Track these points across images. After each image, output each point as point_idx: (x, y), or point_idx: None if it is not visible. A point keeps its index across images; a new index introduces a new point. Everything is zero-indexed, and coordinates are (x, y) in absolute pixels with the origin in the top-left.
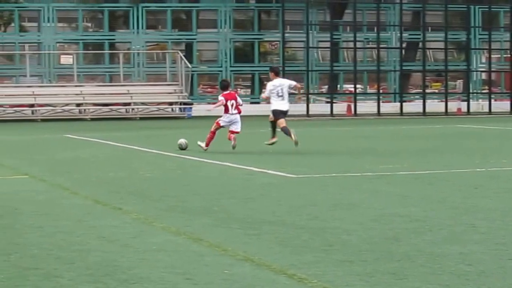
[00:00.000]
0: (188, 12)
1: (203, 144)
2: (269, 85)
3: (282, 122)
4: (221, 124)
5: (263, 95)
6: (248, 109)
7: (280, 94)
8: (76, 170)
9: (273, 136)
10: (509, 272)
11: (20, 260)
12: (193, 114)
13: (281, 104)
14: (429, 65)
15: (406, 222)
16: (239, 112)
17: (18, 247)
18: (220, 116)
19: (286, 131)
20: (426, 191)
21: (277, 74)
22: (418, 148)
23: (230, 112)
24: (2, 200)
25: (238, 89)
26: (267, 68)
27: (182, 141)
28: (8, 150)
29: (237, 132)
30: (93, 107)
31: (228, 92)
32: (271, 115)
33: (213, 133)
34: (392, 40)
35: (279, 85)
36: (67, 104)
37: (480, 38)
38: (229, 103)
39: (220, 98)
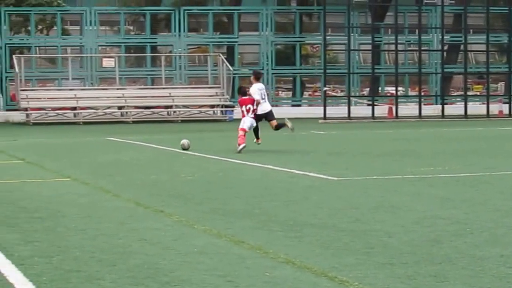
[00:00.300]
0: (230, 15)
1: (240, 147)
2: (256, 89)
3: (274, 122)
4: (247, 129)
5: (258, 99)
6: (290, 111)
7: (263, 97)
8: (118, 173)
9: (258, 138)
10: None
11: (63, 263)
12: (234, 117)
13: (266, 106)
14: (470, 68)
15: (447, 224)
16: (254, 118)
17: (60, 250)
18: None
19: (281, 125)
20: (468, 194)
21: (258, 79)
22: (460, 150)
23: (248, 116)
24: (45, 202)
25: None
26: (309, 71)
27: (184, 141)
28: (50, 153)
29: (245, 130)
30: (135, 110)
31: (244, 97)
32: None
33: (243, 137)
34: (434, 43)
35: (262, 88)
36: (109, 107)
37: None
38: (244, 108)
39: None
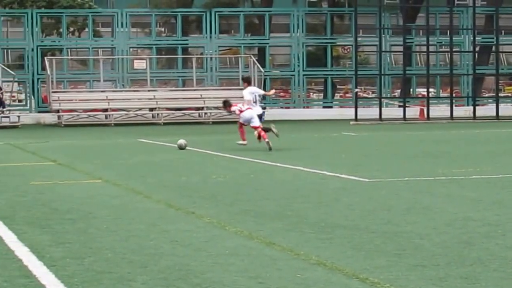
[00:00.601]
0: (261, 16)
1: (241, 141)
2: (248, 93)
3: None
4: (259, 125)
5: (249, 99)
6: (321, 113)
7: (254, 100)
8: (149, 174)
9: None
10: None
11: (94, 264)
12: (265, 119)
13: (258, 109)
14: (502, 69)
15: (479, 226)
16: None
17: (92, 251)
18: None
19: (266, 130)
20: (499, 195)
21: (250, 83)
22: (491, 152)
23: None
24: (76, 204)
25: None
26: (340, 73)
27: (181, 141)
28: (81, 155)
29: (258, 127)
30: (166, 111)
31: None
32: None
33: (241, 129)
34: (465, 44)
35: (253, 92)
36: (140, 109)
37: None
38: (236, 108)
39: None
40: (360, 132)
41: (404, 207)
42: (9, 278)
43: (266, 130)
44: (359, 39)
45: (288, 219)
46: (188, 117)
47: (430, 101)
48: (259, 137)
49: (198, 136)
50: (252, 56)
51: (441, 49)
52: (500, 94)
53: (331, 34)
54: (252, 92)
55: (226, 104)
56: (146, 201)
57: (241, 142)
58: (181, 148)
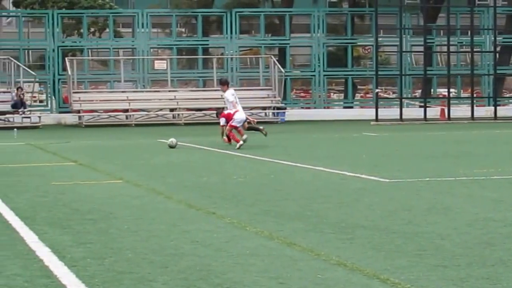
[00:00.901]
0: (281, 16)
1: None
2: (231, 96)
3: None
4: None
5: (233, 101)
6: (341, 113)
7: (237, 100)
8: (170, 175)
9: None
10: None
11: (115, 264)
12: (286, 119)
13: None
14: None
15: (500, 226)
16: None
17: (112, 251)
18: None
19: (254, 129)
20: None
21: (228, 86)
22: None
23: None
24: (97, 204)
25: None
26: (360, 73)
27: (172, 140)
28: (102, 155)
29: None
30: (187, 112)
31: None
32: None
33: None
34: (486, 44)
35: (234, 93)
36: (161, 109)
37: None
38: (228, 110)
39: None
40: (380, 132)
41: (425, 208)
42: (30, 278)
43: (254, 129)
44: (379, 39)
45: (308, 219)
46: (209, 118)
47: (451, 101)
48: (229, 139)
49: (219, 136)
50: (272, 57)
51: (462, 49)
52: None
53: (351, 34)
54: (233, 93)
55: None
56: (166, 202)
57: (239, 143)
58: (172, 146)
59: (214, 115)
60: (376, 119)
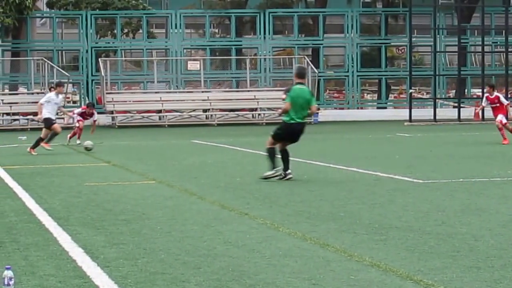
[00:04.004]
0: (315, 17)
1: None
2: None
3: None
4: None
5: None
6: (375, 114)
7: None
8: (203, 176)
9: None
10: None
11: (148, 265)
12: (319, 120)
13: None
14: None
15: None
16: None
17: (145, 252)
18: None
19: None
20: None
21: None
22: None
23: None
24: (130, 205)
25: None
26: (394, 73)
27: (88, 143)
28: (135, 156)
29: None
30: (220, 112)
31: None
32: None
33: None
34: None
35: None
36: (194, 110)
37: None
38: None
39: None
40: (414, 133)
41: (458, 208)
42: (64, 278)
43: None
44: (413, 39)
45: (342, 220)
46: (242, 118)
47: None
48: None
49: (252, 137)
50: (306, 57)
51: (496, 49)
52: None
53: (385, 34)
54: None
55: None
56: (200, 202)
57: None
58: (88, 149)
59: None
60: (410, 120)
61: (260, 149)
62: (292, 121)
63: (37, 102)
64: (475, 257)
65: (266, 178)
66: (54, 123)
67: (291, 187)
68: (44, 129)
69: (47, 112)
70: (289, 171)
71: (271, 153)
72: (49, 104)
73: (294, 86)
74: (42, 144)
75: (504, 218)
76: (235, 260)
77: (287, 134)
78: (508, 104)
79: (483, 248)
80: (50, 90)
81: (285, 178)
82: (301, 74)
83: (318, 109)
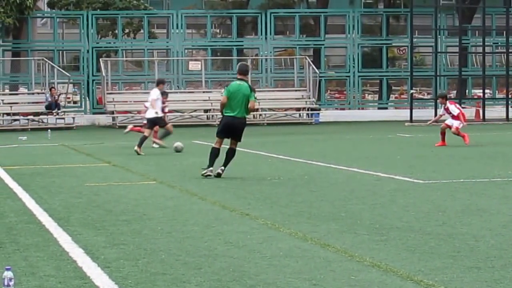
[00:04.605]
0: (316, 17)
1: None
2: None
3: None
4: None
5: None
6: (376, 114)
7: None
8: (214, 177)
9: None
10: None
11: (148, 265)
12: (320, 120)
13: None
14: None
15: None
16: None
17: (146, 252)
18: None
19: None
20: None
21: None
22: None
23: None
24: (131, 205)
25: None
26: (395, 74)
27: (178, 144)
28: (136, 156)
29: None
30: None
31: None
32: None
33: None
34: None
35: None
36: (195, 110)
37: None
38: None
39: None
40: (415, 133)
41: (459, 209)
42: (64, 279)
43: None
44: (414, 40)
45: (343, 220)
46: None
47: (486, 102)
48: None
49: (253, 137)
50: (307, 57)
51: (497, 50)
52: None
53: (386, 35)
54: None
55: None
56: (200, 203)
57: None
58: (178, 151)
59: None
60: (411, 120)
61: (261, 150)
62: (227, 114)
63: (38, 103)
64: (476, 257)
65: (202, 175)
66: (163, 121)
67: (292, 188)
68: (147, 127)
69: (155, 110)
70: (222, 168)
71: (212, 152)
72: (157, 101)
73: (233, 82)
74: (156, 140)
75: (505, 218)
76: (235, 260)
77: (224, 127)
78: (460, 115)
79: (483, 249)
80: (50, 90)
81: (213, 174)
82: (242, 71)
83: (319, 109)
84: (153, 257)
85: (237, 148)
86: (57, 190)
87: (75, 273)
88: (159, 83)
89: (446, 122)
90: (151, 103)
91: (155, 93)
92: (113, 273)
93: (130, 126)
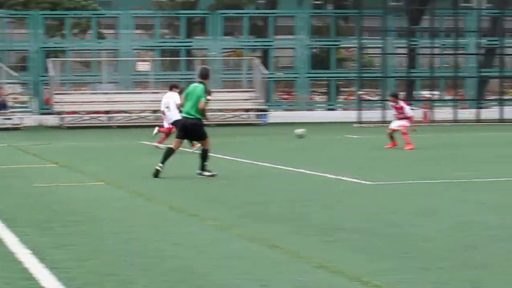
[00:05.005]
0: (265, 18)
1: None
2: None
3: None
4: None
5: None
6: (324, 115)
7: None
8: (152, 177)
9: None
10: None
11: (96, 266)
12: (269, 121)
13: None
14: (507, 71)
15: (483, 229)
16: None
17: (95, 253)
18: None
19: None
20: (503, 198)
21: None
22: (495, 155)
23: None
24: (79, 206)
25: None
26: (344, 75)
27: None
28: (84, 157)
29: None
30: None
31: None
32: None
33: None
34: (470, 46)
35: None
36: (143, 111)
37: None
38: None
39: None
40: (363, 134)
41: (408, 210)
42: (11, 280)
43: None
44: (363, 41)
45: (291, 222)
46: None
47: (434, 104)
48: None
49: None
50: (256, 58)
51: (445, 52)
52: (505, 97)
53: (335, 36)
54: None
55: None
56: (149, 204)
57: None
58: (300, 136)
59: None
60: (359, 122)
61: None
62: (184, 115)
63: None
64: (424, 258)
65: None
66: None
67: (240, 189)
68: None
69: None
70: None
71: (166, 151)
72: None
73: (191, 84)
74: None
75: (453, 220)
76: (184, 261)
77: (180, 128)
78: (412, 117)
79: (432, 250)
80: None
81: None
82: (201, 74)
83: (267, 110)
84: (101, 258)
85: (184, 149)
86: (4, 191)
87: (22, 274)
88: (175, 87)
89: (392, 127)
90: (177, 106)
91: (177, 96)
92: (61, 274)
93: (156, 128)
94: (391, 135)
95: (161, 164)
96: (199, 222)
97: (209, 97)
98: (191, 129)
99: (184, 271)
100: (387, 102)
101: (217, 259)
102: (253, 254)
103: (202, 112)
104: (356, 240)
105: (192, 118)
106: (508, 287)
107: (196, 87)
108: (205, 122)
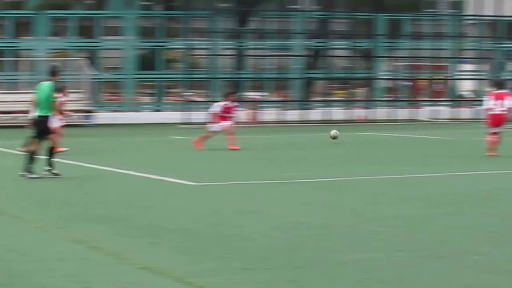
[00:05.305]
0: (93, 19)
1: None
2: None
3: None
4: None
5: None
6: (151, 116)
7: None
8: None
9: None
10: (407, 279)
11: None
12: (96, 122)
13: None
14: (332, 73)
15: (307, 229)
16: None
17: None
18: None
19: None
20: (328, 199)
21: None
22: (321, 156)
23: None
24: None
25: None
26: (171, 76)
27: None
28: None
29: None
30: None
31: None
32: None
33: None
34: (297, 48)
35: None
36: None
37: (383, 46)
38: None
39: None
40: (189, 135)
41: (232, 211)
42: None
43: None
44: (191, 42)
45: (115, 223)
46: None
47: (262, 105)
48: None
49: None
50: (83, 59)
51: (273, 53)
52: (330, 98)
53: (164, 37)
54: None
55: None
56: None
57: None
58: (334, 137)
59: None
60: (185, 123)
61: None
62: (37, 114)
63: None
64: (248, 258)
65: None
66: None
67: (65, 190)
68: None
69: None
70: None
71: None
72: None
73: (40, 83)
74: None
75: (278, 220)
76: (6, 264)
77: (34, 128)
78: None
79: (256, 250)
80: None
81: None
82: (50, 72)
83: (93, 111)
84: None
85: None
86: None
87: None
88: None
89: (213, 129)
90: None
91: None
92: None
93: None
94: (208, 137)
95: (48, 167)
96: (22, 224)
97: (57, 95)
98: (38, 126)
99: (7, 274)
100: (214, 103)
101: (41, 261)
102: (76, 255)
103: (57, 110)
104: (180, 241)
105: (41, 116)
106: (332, 286)
107: (43, 85)
108: (59, 119)
